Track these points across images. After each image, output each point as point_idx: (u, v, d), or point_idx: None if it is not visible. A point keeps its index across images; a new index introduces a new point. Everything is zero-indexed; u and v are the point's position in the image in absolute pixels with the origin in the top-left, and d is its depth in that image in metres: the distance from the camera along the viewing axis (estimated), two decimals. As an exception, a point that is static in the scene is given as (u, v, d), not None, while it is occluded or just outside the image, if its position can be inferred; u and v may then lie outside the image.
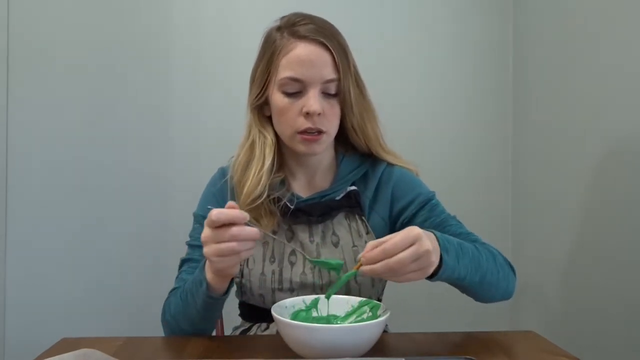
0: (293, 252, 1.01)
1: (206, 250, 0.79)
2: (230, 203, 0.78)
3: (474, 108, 1.92)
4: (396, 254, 0.74)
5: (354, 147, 1.09)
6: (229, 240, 0.76)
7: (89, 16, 1.81)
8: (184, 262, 1.04)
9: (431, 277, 0.82)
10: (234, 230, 0.76)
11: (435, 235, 0.81)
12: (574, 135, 1.53)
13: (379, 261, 0.74)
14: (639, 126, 1.26)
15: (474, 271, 0.87)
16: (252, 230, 0.78)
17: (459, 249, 0.84)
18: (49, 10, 1.80)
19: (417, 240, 0.74)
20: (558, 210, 1.60)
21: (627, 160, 1.30)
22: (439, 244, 0.80)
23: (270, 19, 1.03)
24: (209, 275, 0.85)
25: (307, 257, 0.92)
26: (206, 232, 0.79)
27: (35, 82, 1.79)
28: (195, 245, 1.03)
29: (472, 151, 1.92)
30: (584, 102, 1.48)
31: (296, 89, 0.96)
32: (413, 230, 0.76)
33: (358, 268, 0.78)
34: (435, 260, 0.77)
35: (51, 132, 1.80)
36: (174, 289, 1.01)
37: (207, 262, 0.84)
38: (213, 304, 0.88)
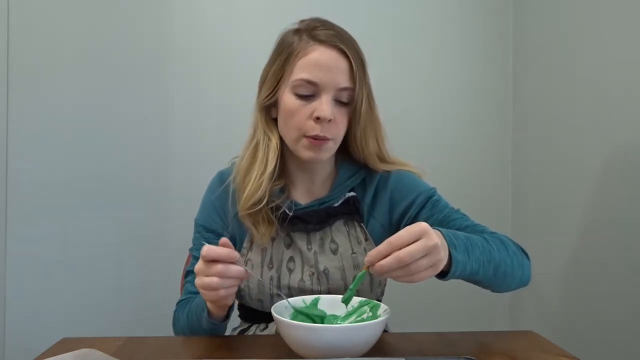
0: (291, 259, 1.00)
1: (196, 281, 0.83)
2: (223, 240, 0.82)
3: (474, 109, 1.93)
4: (403, 246, 0.71)
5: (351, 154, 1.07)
6: (213, 276, 0.80)
7: (89, 16, 1.81)
8: (188, 272, 1.05)
9: (443, 277, 0.80)
10: (219, 267, 0.79)
11: (441, 232, 0.78)
12: (574, 136, 1.53)
13: (386, 256, 0.72)
14: (639, 128, 1.26)
15: (487, 263, 0.84)
16: (237, 270, 0.80)
17: (467, 243, 0.82)
18: (49, 10, 1.80)
19: (423, 234, 0.72)
20: (558, 210, 1.60)
21: (628, 160, 1.30)
22: (446, 241, 0.78)
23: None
24: (208, 303, 0.89)
25: (292, 304, 0.86)
26: (199, 264, 0.82)
27: (35, 82, 1.80)
28: (196, 256, 1.01)
29: (472, 152, 1.92)
30: (584, 104, 1.48)
31: (309, 92, 0.94)
32: (418, 225, 0.73)
33: (367, 268, 0.75)
34: (444, 255, 0.75)
35: (51, 133, 1.80)
36: (180, 300, 1.04)
37: None
38: (217, 326, 0.92)
